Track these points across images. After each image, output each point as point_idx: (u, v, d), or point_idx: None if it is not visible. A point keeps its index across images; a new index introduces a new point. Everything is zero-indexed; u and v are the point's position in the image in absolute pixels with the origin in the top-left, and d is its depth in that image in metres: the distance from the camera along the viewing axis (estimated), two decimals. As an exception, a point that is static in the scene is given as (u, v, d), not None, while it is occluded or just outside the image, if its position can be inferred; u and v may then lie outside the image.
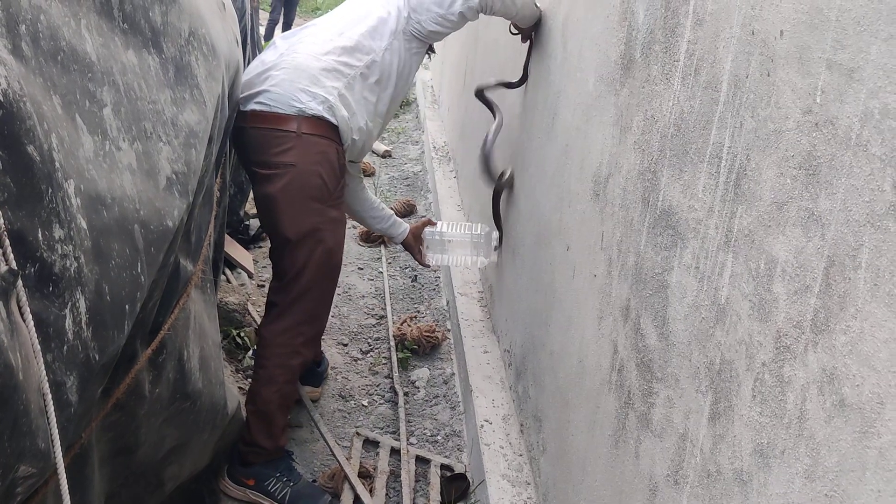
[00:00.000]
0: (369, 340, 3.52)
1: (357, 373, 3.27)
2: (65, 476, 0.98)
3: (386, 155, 6.07)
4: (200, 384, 1.81)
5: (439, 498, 2.47)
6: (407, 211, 4.96)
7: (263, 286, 3.93)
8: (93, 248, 1.00)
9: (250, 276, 3.95)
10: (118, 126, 1.09)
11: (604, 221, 1.83)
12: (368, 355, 3.40)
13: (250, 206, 4.51)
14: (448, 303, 3.70)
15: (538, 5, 2.63)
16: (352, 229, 4.72)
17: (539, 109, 2.62)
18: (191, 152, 1.28)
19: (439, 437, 2.86)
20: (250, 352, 3.19)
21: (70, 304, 0.95)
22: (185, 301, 1.62)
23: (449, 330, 3.50)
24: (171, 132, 1.23)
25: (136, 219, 1.10)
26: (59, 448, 0.96)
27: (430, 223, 3.07)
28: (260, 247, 4.36)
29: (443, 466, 2.64)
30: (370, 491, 2.44)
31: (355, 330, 3.60)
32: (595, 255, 1.87)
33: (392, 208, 4.95)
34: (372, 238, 4.56)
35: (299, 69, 2.26)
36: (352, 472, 2.42)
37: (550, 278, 2.27)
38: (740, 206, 1.19)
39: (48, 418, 0.93)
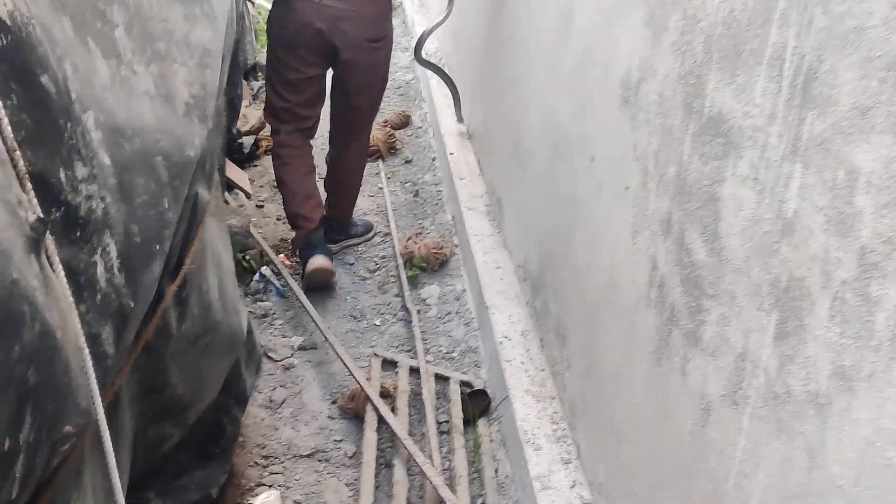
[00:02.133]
0: (375, 259, 3.45)
1: (366, 292, 3.21)
2: (108, 432, 0.92)
3: (375, 64, 5.86)
4: (219, 315, 1.75)
5: (461, 414, 2.45)
6: (402, 122, 4.81)
7: (262, 206, 3.83)
8: (118, 185, 0.90)
9: (248, 196, 3.84)
10: (132, 48, 0.97)
11: (636, 130, 1.74)
12: (376, 274, 3.34)
13: (241, 123, 4.36)
14: (454, 217, 3.62)
15: None
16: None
17: (549, 11, 2.47)
18: (206, 73, 1.17)
19: (455, 354, 2.83)
20: (256, 275, 3.12)
21: (100, 249, 0.86)
22: (202, 231, 1.53)
23: (457, 246, 3.43)
24: (186, 52, 1.11)
25: (157, 150, 1.00)
26: (100, 404, 0.89)
27: None
28: (255, 165, 4.23)
29: (462, 383, 2.62)
30: (392, 411, 2.41)
31: (360, 248, 3.53)
32: (626, 166, 1.79)
33: (386, 120, 4.81)
34: (369, 153, 4.43)
35: None
36: (373, 393, 2.39)
37: (571, 192, 2.19)
38: (811, 111, 1.10)
39: (87, 375, 0.86)
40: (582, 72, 2.13)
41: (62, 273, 0.79)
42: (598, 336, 1.95)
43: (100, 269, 0.86)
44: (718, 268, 1.34)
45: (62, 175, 0.81)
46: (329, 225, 3.40)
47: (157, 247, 0.99)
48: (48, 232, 0.74)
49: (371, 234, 3.62)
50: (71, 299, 0.81)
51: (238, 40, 3.71)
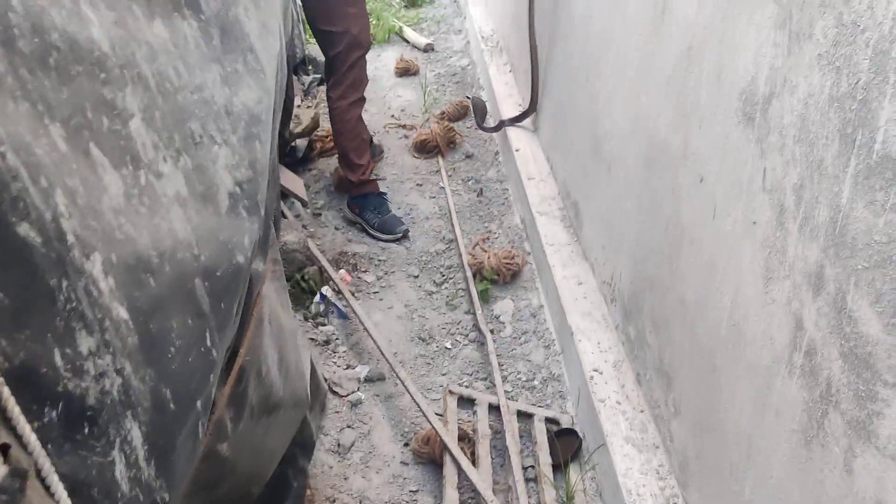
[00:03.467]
0: (441, 269, 3.20)
1: (434, 309, 2.97)
2: None
3: (428, 48, 5.56)
4: (282, 391, 1.53)
5: (549, 459, 2.20)
6: (460, 114, 4.52)
7: (320, 214, 3.61)
8: (140, 342, 0.67)
9: (305, 204, 3.62)
10: (154, 142, 0.73)
11: (765, 155, 1.44)
12: (443, 287, 3.10)
13: (294, 125, 4.13)
14: (523, 221, 3.35)
15: None
16: (404, 139, 4.34)
17: (635, -1, 2.16)
18: (254, 146, 0.92)
19: (536, 382, 2.58)
20: (317, 296, 2.90)
21: (118, 441, 0.63)
22: (258, 306, 1.30)
23: (529, 253, 3.16)
24: (227, 125, 0.87)
25: (196, 270, 0.77)
26: None
27: None
28: (310, 169, 4.01)
29: (547, 419, 2.37)
30: (472, 457, 2.18)
31: (424, 258, 3.28)
32: (752, 196, 1.49)
33: (443, 111, 4.54)
34: (427, 148, 4.17)
35: None
36: (452, 442, 2.16)
37: (674, 211, 1.90)
38: None
39: None
40: (685, 73, 1.83)
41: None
42: (718, 388, 1.67)
43: (119, 469, 0.63)
44: (905, 352, 1.06)
45: (58, 358, 0.57)
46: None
47: (201, 402, 0.75)
48: (33, 479, 0.51)
49: (390, 237, 3.41)
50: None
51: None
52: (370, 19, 5.73)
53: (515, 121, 3.76)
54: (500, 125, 3.76)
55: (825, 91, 1.24)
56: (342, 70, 3.28)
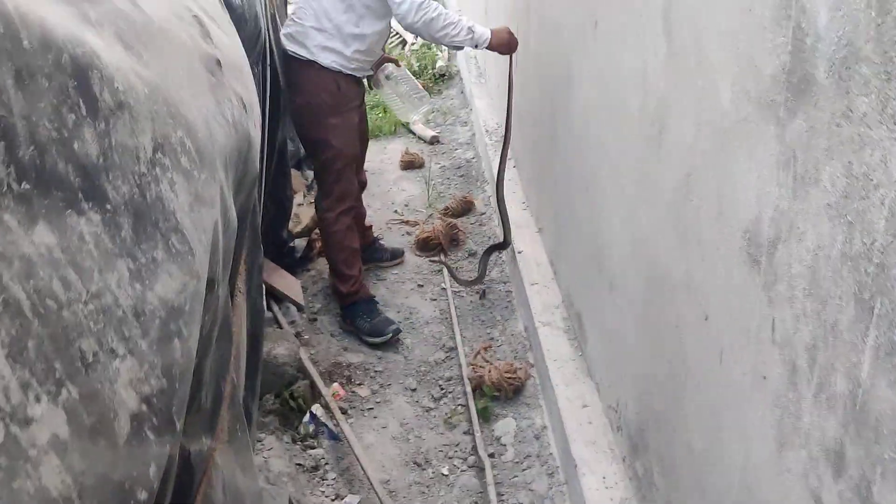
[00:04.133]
0: (440, 382, 3.05)
1: (431, 428, 2.81)
2: None
3: (434, 141, 5.54)
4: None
5: None
6: (465, 209, 4.44)
7: (315, 319, 3.49)
8: None
9: (300, 308, 3.50)
10: (24, 380, 0.61)
11: (773, 305, 1.30)
12: (442, 402, 2.94)
13: (294, 224, 4.05)
14: (527, 329, 3.20)
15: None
16: (406, 236, 4.25)
17: (633, 110, 2.06)
18: (172, 346, 0.80)
19: (539, 516, 2.39)
20: (306, 416, 2.74)
21: None
22: (205, 488, 1.16)
23: (532, 365, 3.00)
24: (136, 330, 0.75)
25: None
26: None
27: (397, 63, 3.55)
28: (308, 269, 3.90)
29: (550, 561, 2.17)
30: None
31: (423, 369, 3.14)
32: (761, 347, 1.35)
33: (447, 207, 4.45)
34: (430, 245, 4.07)
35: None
36: None
37: (679, 346, 1.75)
38: None
39: None
40: (684, 200, 1.71)
41: None
42: (730, 553, 1.49)
43: None
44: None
45: None
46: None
47: None
48: None
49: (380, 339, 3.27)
50: None
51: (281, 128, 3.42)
52: (378, 110, 5.76)
53: (485, 260, 3.59)
54: (479, 279, 3.56)
55: (836, 246, 1.11)
56: (327, 181, 3.22)
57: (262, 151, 2.86)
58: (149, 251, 0.79)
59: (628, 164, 2.11)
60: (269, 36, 2.68)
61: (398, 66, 3.55)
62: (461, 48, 3.10)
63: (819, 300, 1.16)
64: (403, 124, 5.72)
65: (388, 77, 3.46)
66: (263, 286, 3.10)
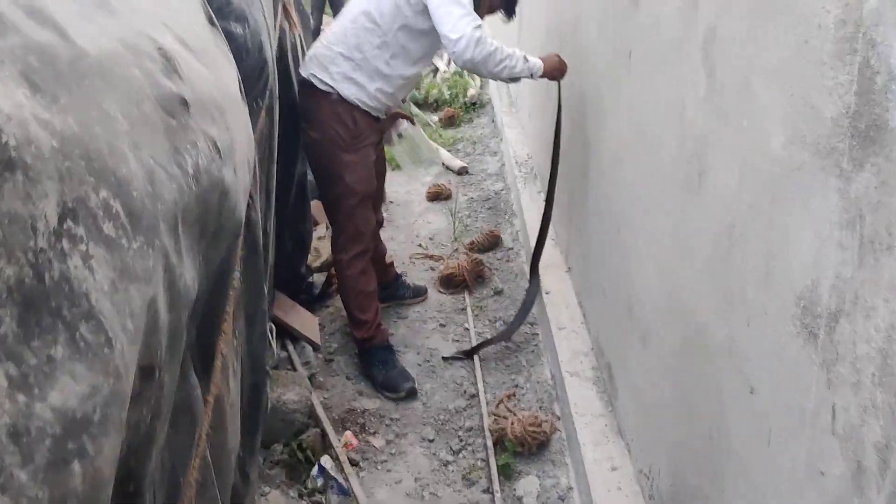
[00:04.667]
0: (460, 433, 2.85)
1: (448, 484, 2.61)
2: None
3: (462, 171, 5.38)
4: None
5: None
6: (491, 243, 4.27)
7: (332, 360, 3.32)
8: None
9: (316, 348, 3.33)
10: None
11: (834, 388, 1.11)
12: (460, 456, 2.74)
13: (313, 258, 3.91)
14: (553, 377, 3.00)
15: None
16: (430, 271, 4.08)
17: (669, 149, 1.88)
18: (68, 472, 0.63)
19: (562, 589, 2.17)
20: (315, 468, 2.56)
21: None
22: None
23: (558, 418, 2.80)
24: (10, 458, 0.58)
25: None
26: None
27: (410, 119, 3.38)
28: (327, 306, 3.74)
29: None
30: None
31: (442, 418, 2.94)
32: (818, 436, 1.15)
33: (472, 241, 4.29)
34: (454, 283, 3.89)
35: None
36: None
37: (719, 418, 1.55)
38: None
39: None
40: (726, 255, 1.52)
41: None
42: None
43: None
44: None
45: None
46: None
47: None
48: None
49: (394, 395, 3.05)
50: None
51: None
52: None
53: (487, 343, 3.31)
54: (473, 351, 3.28)
55: (916, 329, 0.91)
56: (339, 220, 3.07)
57: (278, 186, 2.73)
58: (42, 350, 0.62)
59: (663, 207, 1.93)
60: (280, 65, 2.54)
61: (413, 123, 3.41)
62: (517, 80, 2.94)
63: (892, 391, 0.96)
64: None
65: (400, 135, 3.33)
66: (272, 329, 2.96)
